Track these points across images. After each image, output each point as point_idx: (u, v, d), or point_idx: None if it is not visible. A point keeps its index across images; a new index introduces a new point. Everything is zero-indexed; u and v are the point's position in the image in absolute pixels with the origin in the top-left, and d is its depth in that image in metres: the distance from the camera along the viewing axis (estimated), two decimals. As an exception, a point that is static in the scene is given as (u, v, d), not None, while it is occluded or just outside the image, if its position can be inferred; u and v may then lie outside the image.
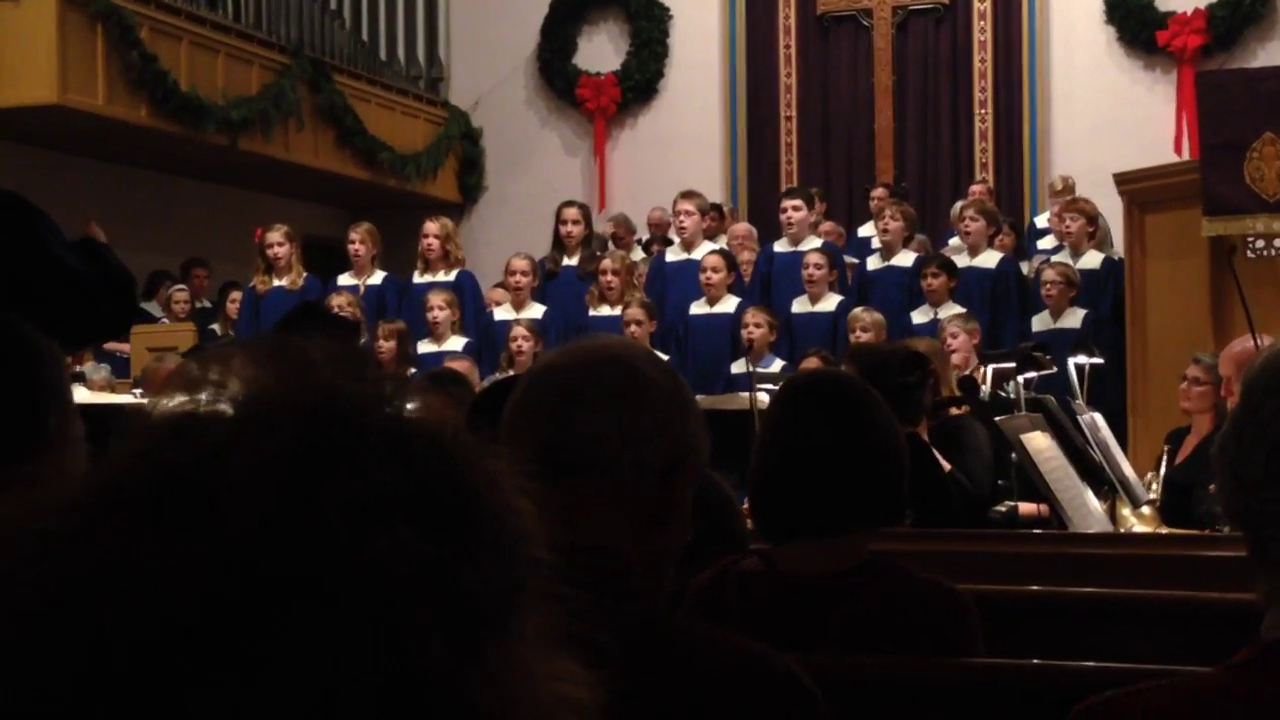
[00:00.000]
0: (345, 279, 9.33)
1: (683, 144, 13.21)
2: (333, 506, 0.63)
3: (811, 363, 7.10)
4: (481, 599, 0.64)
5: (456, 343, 8.74)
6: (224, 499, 0.63)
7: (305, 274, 9.26)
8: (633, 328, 8.31)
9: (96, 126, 10.05)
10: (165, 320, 10.33)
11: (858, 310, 8.04)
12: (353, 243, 9.29)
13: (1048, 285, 8.60)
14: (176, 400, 0.68)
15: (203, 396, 0.68)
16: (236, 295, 9.80)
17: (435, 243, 9.22)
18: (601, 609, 0.83)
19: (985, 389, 6.29)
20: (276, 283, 9.14)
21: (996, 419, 4.88)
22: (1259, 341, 4.82)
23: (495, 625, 0.65)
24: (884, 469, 2.39)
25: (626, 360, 1.65)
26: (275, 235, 9.17)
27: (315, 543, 0.62)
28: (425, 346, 8.73)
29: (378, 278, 9.32)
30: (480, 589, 0.64)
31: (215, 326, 10.05)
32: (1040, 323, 8.62)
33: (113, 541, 0.62)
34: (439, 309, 8.74)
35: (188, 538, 0.62)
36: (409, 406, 0.69)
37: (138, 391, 7.12)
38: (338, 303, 8.25)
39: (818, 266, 8.85)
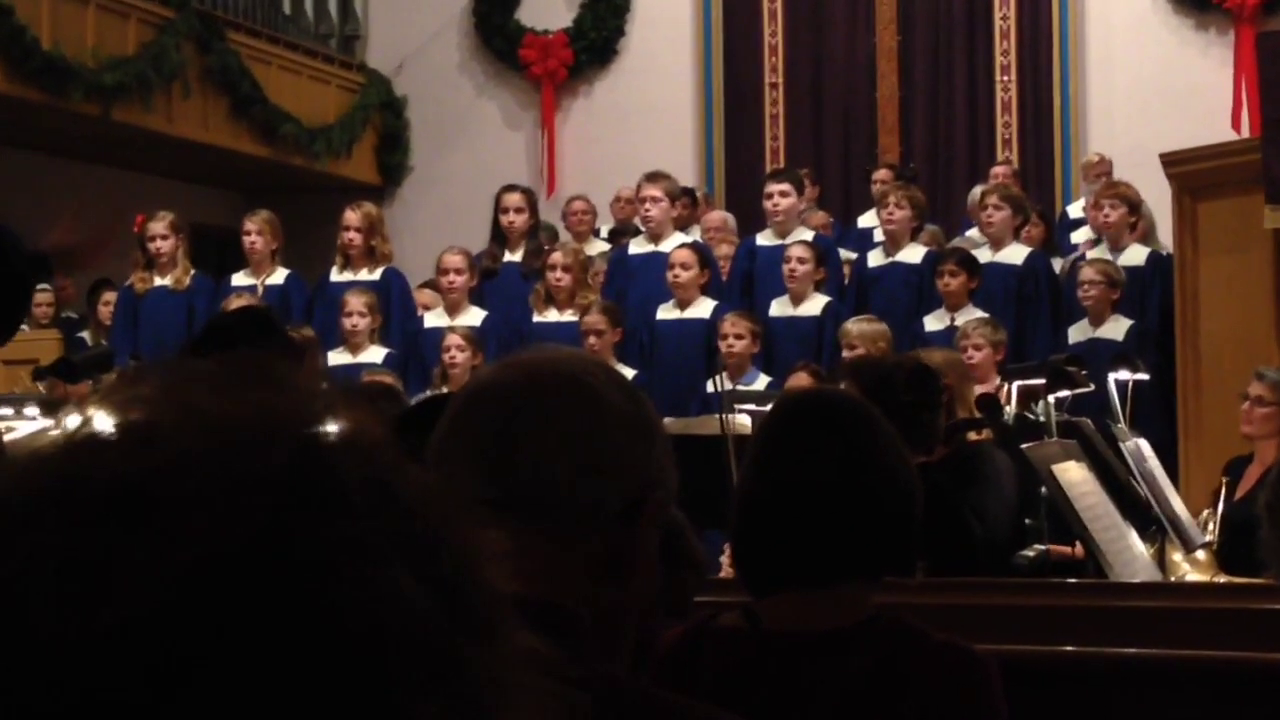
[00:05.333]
0: (240, 278, 9.28)
1: (647, 116, 13.23)
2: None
3: (800, 379, 7.11)
4: (480, 677, 0.64)
5: (376, 354, 8.69)
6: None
7: (193, 271, 9.22)
8: (591, 339, 8.30)
9: (-60, 93, 9.99)
10: (24, 327, 10.23)
11: (848, 323, 7.91)
12: (248, 234, 9.25)
13: (1086, 286, 8.60)
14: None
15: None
16: (110, 296, 9.73)
17: (357, 236, 9.15)
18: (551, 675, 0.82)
19: (1009, 410, 6.32)
20: (158, 281, 9.10)
21: (1023, 446, 4.90)
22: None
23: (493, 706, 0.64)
24: (892, 507, 2.39)
25: (579, 377, 1.65)
26: (159, 225, 9.13)
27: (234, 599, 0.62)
28: (338, 358, 8.65)
29: (279, 276, 9.27)
30: (478, 665, 0.64)
31: (85, 334, 9.98)
32: (1078, 332, 8.60)
33: None
34: (358, 314, 8.68)
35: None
36: (334, 428, 0.68)
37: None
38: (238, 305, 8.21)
39: (800, 261, 8.86)
